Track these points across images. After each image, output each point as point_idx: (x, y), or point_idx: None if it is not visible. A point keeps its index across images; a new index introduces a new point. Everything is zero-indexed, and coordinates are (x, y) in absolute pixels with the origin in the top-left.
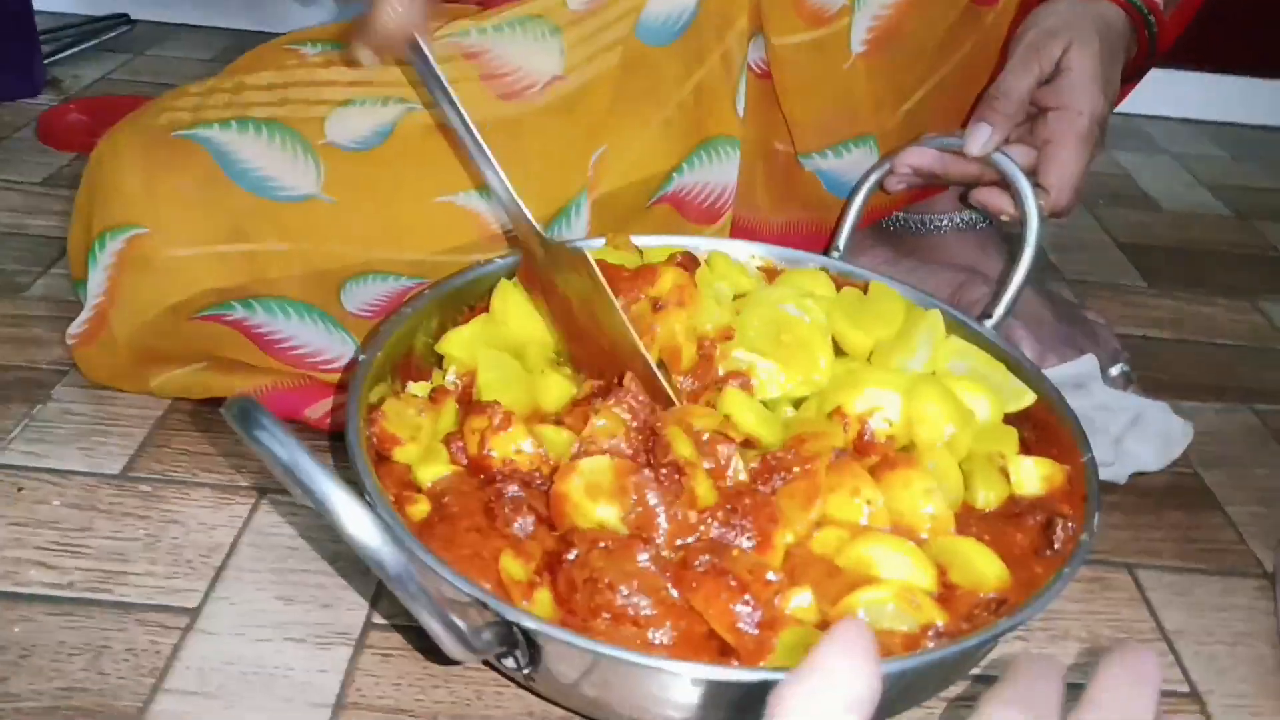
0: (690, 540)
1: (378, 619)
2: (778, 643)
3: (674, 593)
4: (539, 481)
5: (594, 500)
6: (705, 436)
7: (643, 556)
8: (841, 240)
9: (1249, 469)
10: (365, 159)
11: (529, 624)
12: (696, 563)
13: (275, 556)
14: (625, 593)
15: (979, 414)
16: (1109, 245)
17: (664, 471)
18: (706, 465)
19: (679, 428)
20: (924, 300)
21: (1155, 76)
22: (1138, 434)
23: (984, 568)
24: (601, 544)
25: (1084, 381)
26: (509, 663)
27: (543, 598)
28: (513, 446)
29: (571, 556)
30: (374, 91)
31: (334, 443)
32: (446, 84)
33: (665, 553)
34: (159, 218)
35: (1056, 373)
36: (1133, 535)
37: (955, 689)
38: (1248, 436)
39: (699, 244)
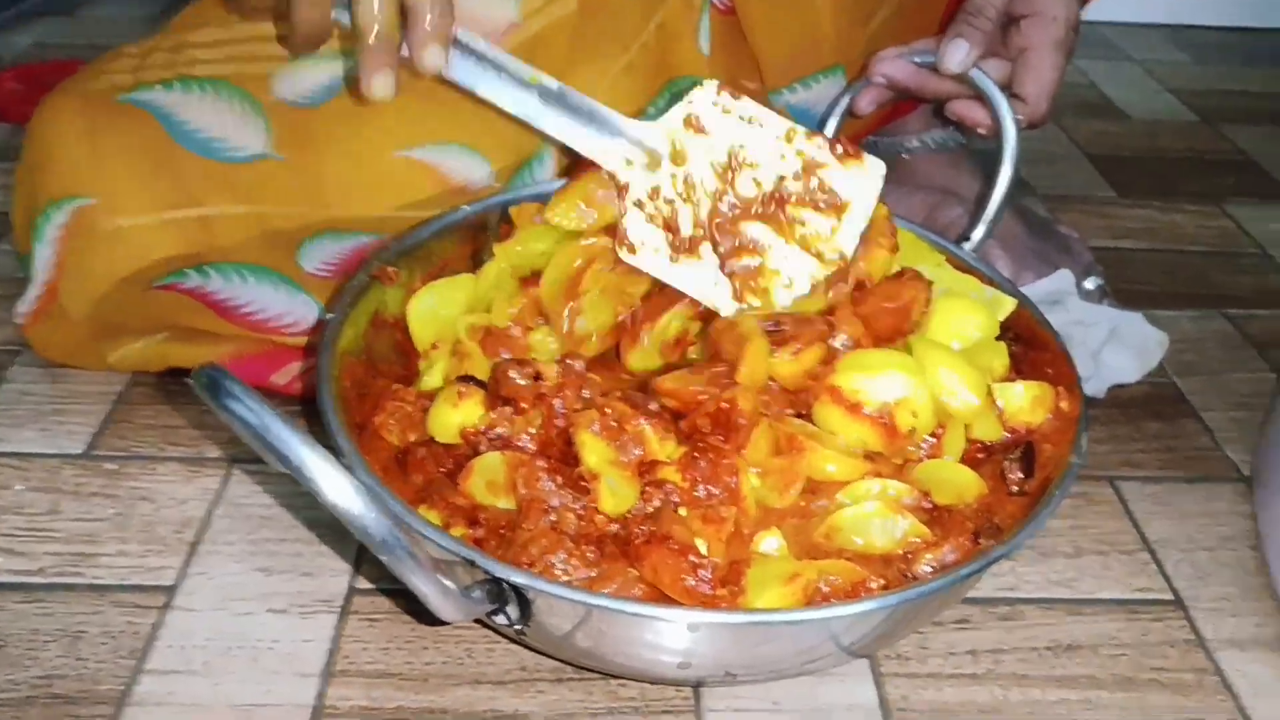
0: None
1: (361, 584)
2: (747, 582)
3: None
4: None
5: (495, 497)
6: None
7: (544, 521)
8: None
9: (1223, 375)
10: (316, 114)
11: (519, 580)
12: (635, 535)
13: (250, 527)
14: (554, 562)
15: (971, 333)
16: (1079, 157)
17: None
18: (635, 452)
19: (588, 433)
20: (902, 225)
21: None
22: (1115, 347)
23: (960, 479)
24: (501, 530)
25: (1060, 297)
26: (500, 619)
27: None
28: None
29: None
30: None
31: (306, 407)
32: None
33: (568, 515)
34: (105, 186)
35: (1032, 290)
36: (1113, 448)
37: (950, 613)
38: (1222, 342)
39: None
